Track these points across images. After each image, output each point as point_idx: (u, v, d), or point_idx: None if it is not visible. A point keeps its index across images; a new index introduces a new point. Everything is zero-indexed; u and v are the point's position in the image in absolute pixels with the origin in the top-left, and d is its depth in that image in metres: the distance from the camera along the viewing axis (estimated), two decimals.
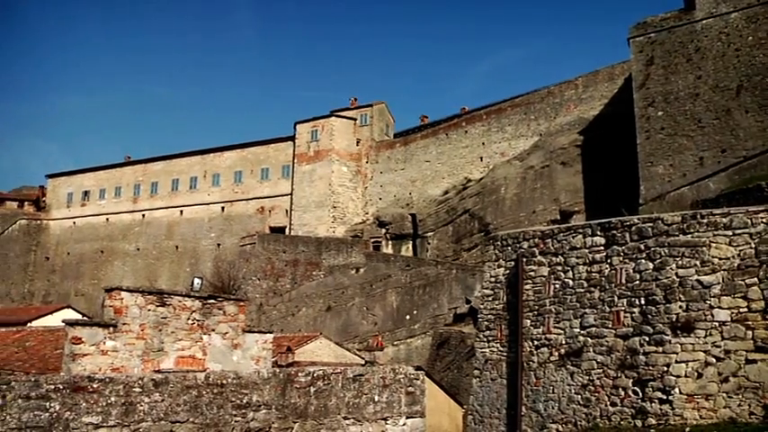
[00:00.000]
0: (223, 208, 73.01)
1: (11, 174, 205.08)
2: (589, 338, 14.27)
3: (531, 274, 15.77)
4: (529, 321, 15.57)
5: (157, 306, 13.47)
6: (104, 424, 8.43)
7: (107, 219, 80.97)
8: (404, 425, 12.12)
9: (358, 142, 68.42)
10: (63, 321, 13.32)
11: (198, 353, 13.97)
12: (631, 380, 13.41)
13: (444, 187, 59.98)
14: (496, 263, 16.91)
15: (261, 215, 70.24)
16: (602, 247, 14.52)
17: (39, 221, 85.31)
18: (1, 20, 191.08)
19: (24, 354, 18.04)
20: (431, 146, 62.47)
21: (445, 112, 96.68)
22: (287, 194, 69.19)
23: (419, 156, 63.13)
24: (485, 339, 16.82)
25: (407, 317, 49.28)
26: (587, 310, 14.43)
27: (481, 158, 57.93)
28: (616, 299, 13.99)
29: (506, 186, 52.86)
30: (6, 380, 7.98)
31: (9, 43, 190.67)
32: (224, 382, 9.78)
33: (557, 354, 14.82)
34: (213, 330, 14.24)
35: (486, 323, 16.88)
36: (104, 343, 12.67)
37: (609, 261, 14.30)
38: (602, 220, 14.88)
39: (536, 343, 15.28)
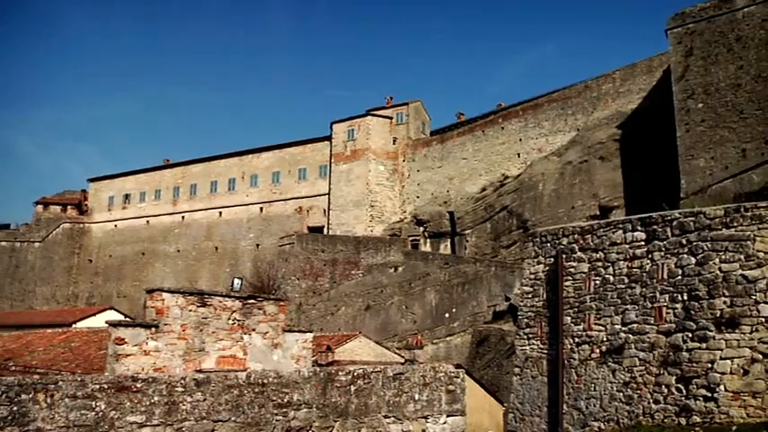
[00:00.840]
0: (261, 209, 73.49)
1: (54, 178, 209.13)
2: (631, 335, 14.07)
3: (571, 270, 15.60)
4: (569, 318, 15.42)
5: (198, 306, 13.58)
6: (148, 423, 8.53)
7: (147, 221, 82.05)
8: (444, 423, 12.07)
9: (394, 141, 68.38)
10: (106, 322, 13.49)
11: (239, 352, 14.06)
12: (674, 377, 13.18)
13: (482, 184, 59.68)
14: (536, 260, 16.77)
15: (299, 215, 70.57)
16: (642, 243, 14.31)
17: (81, 225, 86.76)
18: (41, 29, 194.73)
19: (70, 354, 18.32)
20: (467, 143, 62.21)
21: (481, 108, 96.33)
22: (324, 194, 69.43)
23: (456, 153, 62.89)
24: (525, 337, 16.69)
25: (446, 315, 49.14)
26: (628, 307, 14.23)
27: (518, 155, 57.55)
28: (658, 294, 13.77)
29: (544, 182, 52.42)
30: (54, 379, 8.11)
31: (51, 51, 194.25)
32: (265, 381, 9.83)
33: (598, 351, 14.64)
34: (253, 330, 14.32)
35: (525, 320, 16.75)
36: (147, 343, 12.80)
37: (650, 256, 14.09)
38: (643, 215, 14.66)
39: (577, 340, 15.12)
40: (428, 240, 62.20)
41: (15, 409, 7.56)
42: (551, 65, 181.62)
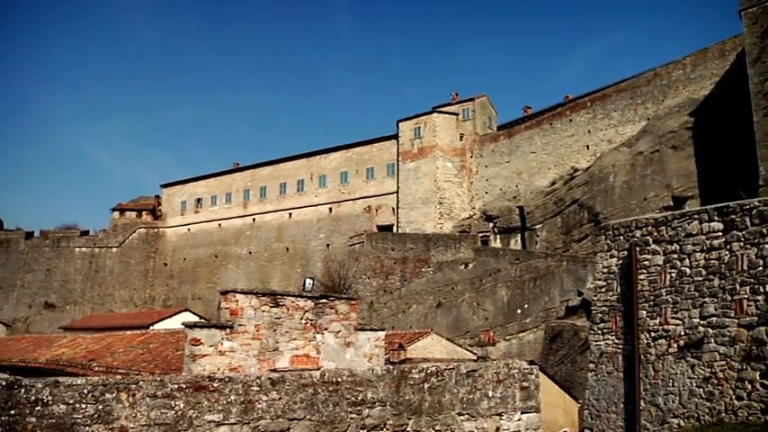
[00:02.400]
0: (331, 209, 74.04)
1: (129, 185, 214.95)
2: (710, 329, 13.67)
3: (646, 263, 15.25)
4: (645, 312, 15.08)
5: (271, 307, 13.74)
6: (225, 421, 8.69)
7: (219, 224, 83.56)
8: (519, 420, 11.97)
9: (461, 137, 68.08)
10: (183, 324, 13.75)
11: (312, 351, 14.17)
12: (758, 372, 12.74)
13: (551, 178, 58.98)
14: (608, 253, 16.45)
15: (368, 214, 70.86)
16: (720, 233, 13.88)
17: (156, 229, 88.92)
18: (113, 39, 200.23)
19: (148, 355, 18.73)
20: (535, 137, 61.56)
21: (548, 101, 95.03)
22: (393, 193, 69.56)
23: (524, 147, 62.29)
24: (599, 332, 16.39)
25: (518, 311, 48.69)
26: (707, 300, 13.83)
27: (588, 147, 56.66)
28: (738, 286, 13.34)
29: (615, 174, 51.44)
30: (135, 379, 8.34)
31: (122, 60, 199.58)
32: (339, 379, 9.90)
33: (675, 345, 14.28)
34: (326, 329, 14.42)
35: (599, 315, 16.46)
36: (222, 344, 13.01)
37: (728, 247, 13.66)
38: (720, 205, 14.22)
39: (653, 334, 14.77)
40: (498, 236, 61.79)
41: (101, 407, 7.81)
42: (618, 54, 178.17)
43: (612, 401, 15.62)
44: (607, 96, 56.25)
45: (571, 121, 58.60)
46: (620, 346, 15.68)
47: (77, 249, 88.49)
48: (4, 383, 7.41)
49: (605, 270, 16.48)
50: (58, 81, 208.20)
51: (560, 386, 31.99)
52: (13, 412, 7.31)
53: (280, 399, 9.20)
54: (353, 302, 15.30)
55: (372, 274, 60.18)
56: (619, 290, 15.95)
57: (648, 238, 15.34)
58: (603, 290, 16.43)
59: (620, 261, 16.01)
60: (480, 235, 61.41)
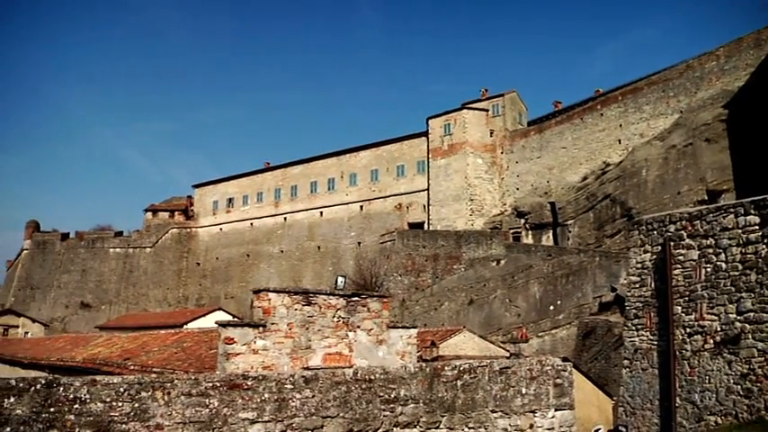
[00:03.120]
0: (361, 207, 74.13)
1: (162, 186, 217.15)
2: (747, 324, 13.47)
3: (680, 258, 15.08)
4: (680, 308, 14.91)
5: (303, 305, 13.78)
6: (259, 419, 8.75)
7: (251, 223, 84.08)
8: (552, 417, 11.90)
9: (491, 133, 67.79)
10: (216, 323, 13.85)
11: (344, 349, 14.19)
12: None
13: (582, 173, 58.51)
14: (642, 248, 16.29)
15: (399, 212, 70.84)
16: (756, 227, 13.68)
17: (188, 229, 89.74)
18: (143, 41, 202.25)
19: (182, 354, 18.87)
20: (566, 131, 61.10)
21: (579, 95, 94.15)
22: (423, 190, 69.48)
23: (555, 142, 61.87)
24: (633, 328, 16.24)
25: (551, 307, 48.38)
26: (743, 295, 13.63)
27: (619, 141, 56.12)
28: None
29: (648, 168, 50.85)
30: (170, 378, 8.43)
31: (152, 62, 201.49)
32: (372, 377, 9.92)
33: (711, 341, 14.09)
34: (358, 327, 14.43)
35: (634, 311, 16.30)
36: (255, 342, 13.07)
37: (765, 241, 13.45)
38: (756, 198, 13.99)
39: (688, 330, 14.60)
40: (530, 232, 61.43)
41: (137, 405, 7.92)
42: (649, 47, 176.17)
43: (648, 398, 15.47)
44: (638, 89, 55.62)
45: (602, 115, 58.08)
46: (655, 342, 15.53)
47: (112, 250, 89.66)
48: (43, 382, 7.54)
49: (639, 265, 16.32)
50: (90, 82, 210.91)
51: (594, 383, 31.74)
52: (52, 410, 7.45)
53: (313, 396, 9.24)
54: (385, 300, 15.29)
55: (404, 272, 60.15)
56: (653, 285, 15.79)
57: (683, 232, 15.17)
58: (637, 285, 16.27)
59: (654, 256, 15.85)
60: (512, 231, 61.12)
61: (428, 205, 68.69)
